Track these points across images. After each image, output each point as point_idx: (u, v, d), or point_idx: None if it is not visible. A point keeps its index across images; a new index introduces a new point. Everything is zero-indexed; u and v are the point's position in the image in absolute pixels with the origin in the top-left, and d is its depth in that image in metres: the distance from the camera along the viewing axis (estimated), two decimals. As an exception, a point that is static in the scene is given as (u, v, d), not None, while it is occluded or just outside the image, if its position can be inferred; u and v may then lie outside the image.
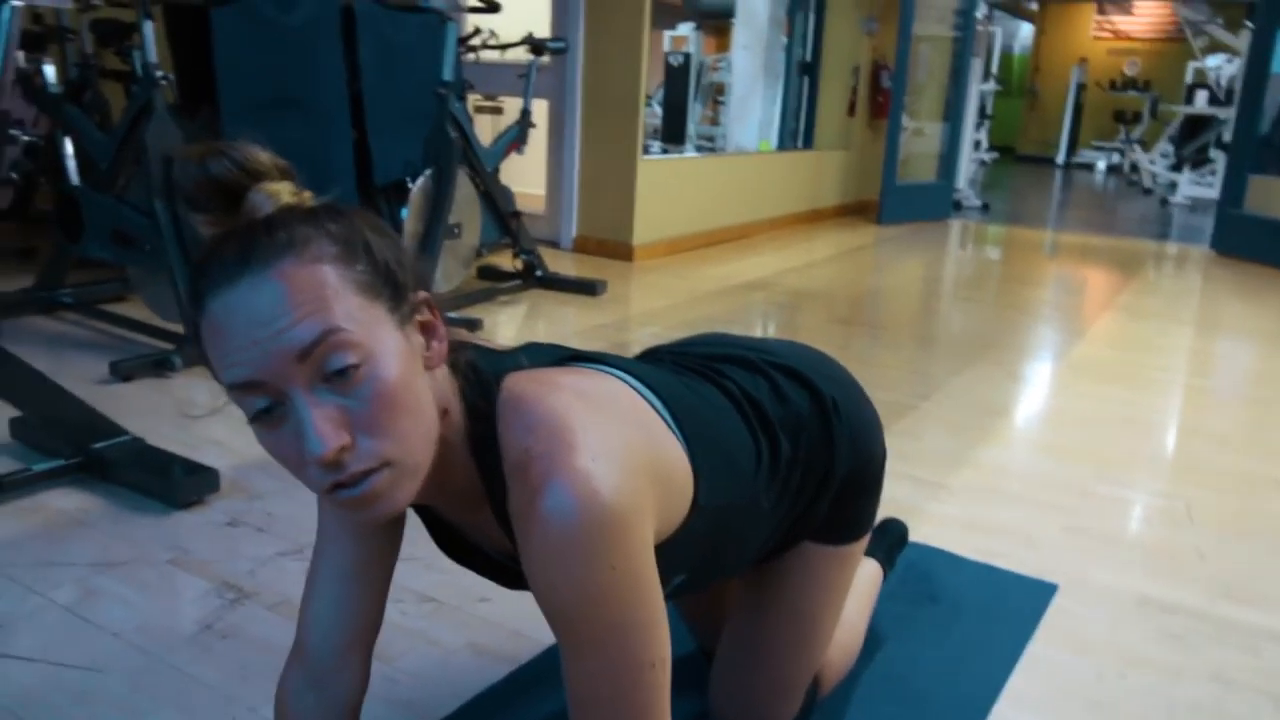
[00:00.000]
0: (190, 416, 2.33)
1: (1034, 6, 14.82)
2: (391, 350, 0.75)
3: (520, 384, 0.86)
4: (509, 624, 1.56)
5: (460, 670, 1.44)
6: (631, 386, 0.95)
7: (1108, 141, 13.41)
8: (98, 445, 1.99)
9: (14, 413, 2.07)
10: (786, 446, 1.10)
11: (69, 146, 3.20)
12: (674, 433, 0.94)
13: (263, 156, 0.78)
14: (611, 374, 0.96)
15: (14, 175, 4.24)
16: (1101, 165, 13.41)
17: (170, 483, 1.91)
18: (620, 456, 0.81)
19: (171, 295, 2.85)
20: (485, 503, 0.89)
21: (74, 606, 1.54)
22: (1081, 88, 13.24)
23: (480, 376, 0.87)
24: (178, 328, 2.90)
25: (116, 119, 3.79)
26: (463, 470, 0.87)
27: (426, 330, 0.81)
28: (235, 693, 1.36)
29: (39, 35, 4.13)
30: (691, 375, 1.10)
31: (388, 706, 1.34)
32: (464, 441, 0.86)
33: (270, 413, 0.73)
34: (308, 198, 0.80)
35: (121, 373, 2.62)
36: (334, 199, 0.82)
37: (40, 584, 1.60)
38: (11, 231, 4.42)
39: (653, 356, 1.20)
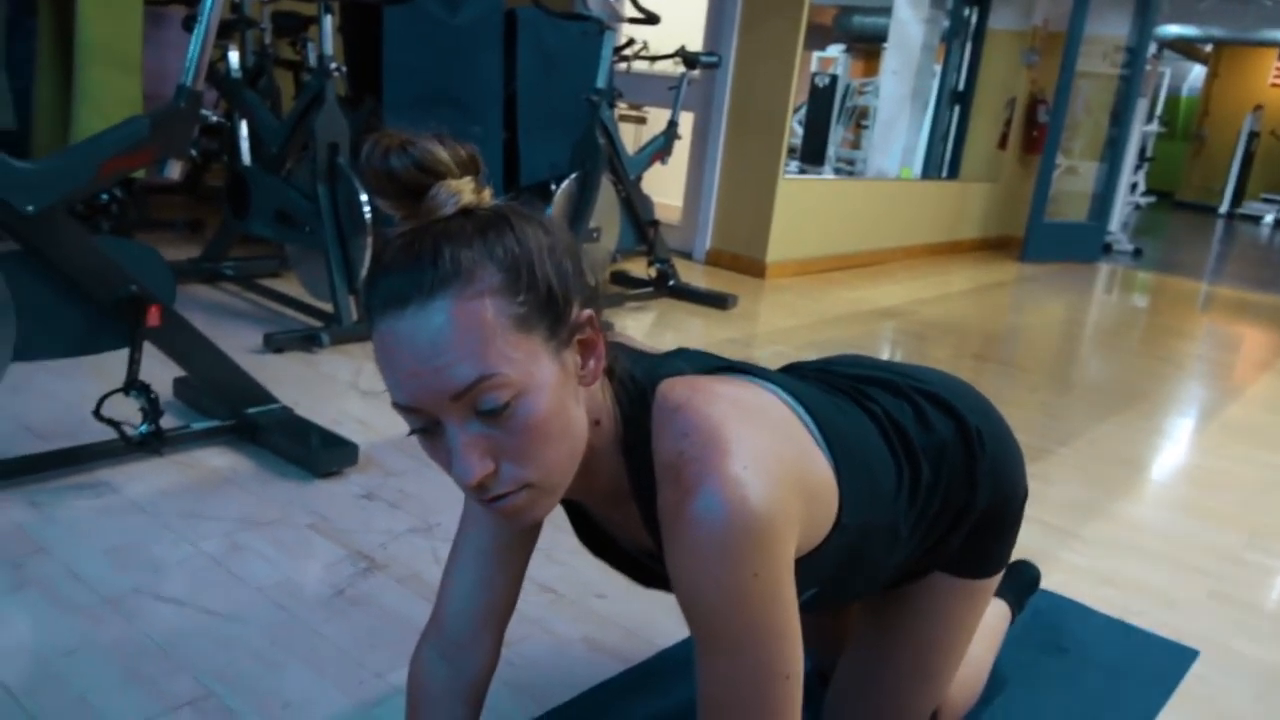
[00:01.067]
0: (359, 390, 2.44)
1: (1208, 49, 14.11)
2: (544, 383, 0.77)
3: (676, 390, 0.88)
4: (624, 622, 1.58)
5: (575, 661, 1.46)
6: (783, 400, 0.96)
7: (1278, 194, 12.64)
8: (251, 410, 2.11)
9: (178, 372, 2.21)
10: (928, 472, 1.08)
11: (244, 129, 3.40)
12: (822, 449, 0.94)
13: (443, 154, 0.78)
14: (763, 386, 0.96)
15: (193, 153, 4.53)
16: (1269, 218, 12.65)
17: (312, 452, 2.00)
18: (771, 467, 0.83)
19: (325, 276, 2.99)
20: (631, 502, 0.91)
21: (220, 558, 1.64)
22: (1254, 135, 12.53)
23: (636, 383, 0.89)
24: (328, 306, 3.04)
25: (285, 106, 4.01)
26: (613, 471, 0.90)
27: (586, 348, 0.82)
28: (363, 657, 1.41)
29: (225, 24, 4.40)
30: (837, 394, 1.10)
31: (504, 688, 1.37)
32: (616, 444, 0.89)
33: (427, 432, 0.79)
34: (487, 196, 0.81)
35: (274, 345, 2.76)
36: (511, 200, 0.83)
37: (191, 534, 1.70)
38: (183, 205, 4.72)
39: (797, 372, 1.20)
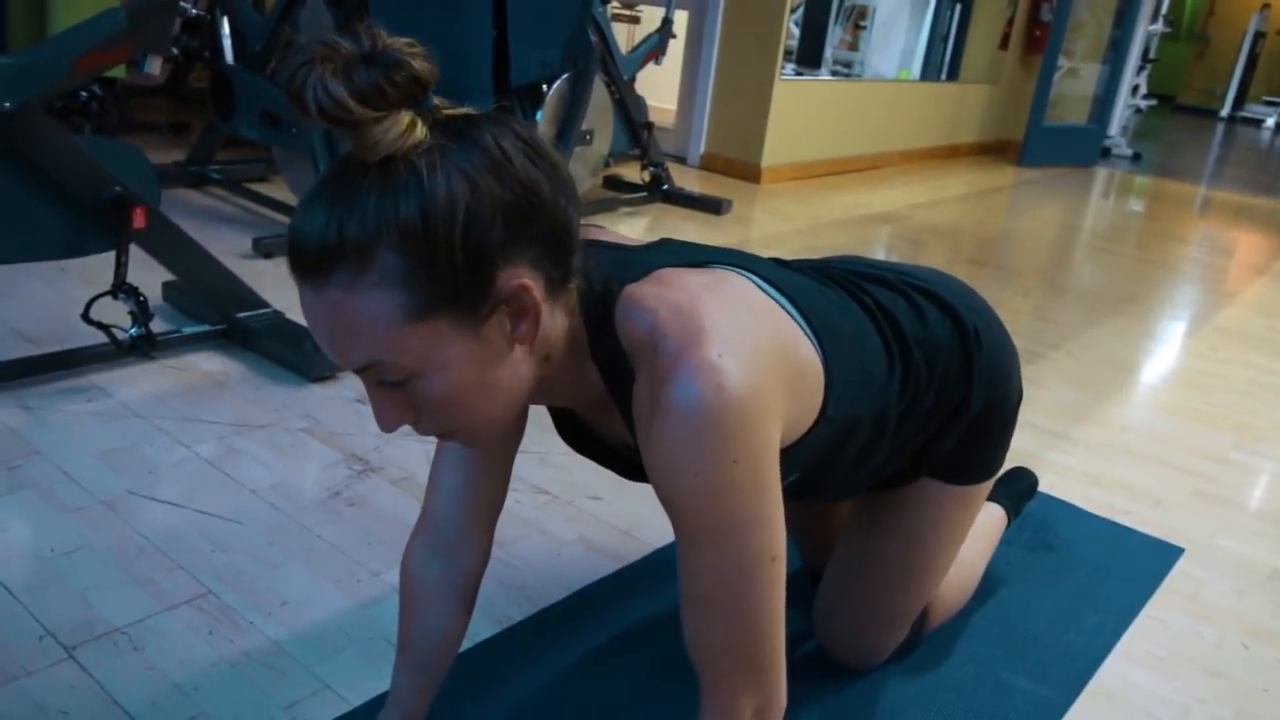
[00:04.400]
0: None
1: (1216, -57, 13.69)
2: (448, 363, 0.74)
3: (643, 288, 0.85)
4: (618, 523, 1.60)
5: (570, 561, 1.48)
6: (765, 291, 0.93)
7: (1280, 97, 12.45)
8: (242, 315, 2.09)
9: (166, 276, 2.19)
10: (922, 365, 1.08)
11: (226, 26, 3.29)
12: (808, 337, 0.93)
13: (385, 85, 0.68)
14: (744, 275, 0.93)
15: (175, 52, 4.40)
16: (1271, 121, 12.47)
17: (305, 357, 1.99)
18: (747, 351, 0.81)
19: (312, 179, 2.93)
20: (614, 407, 0.90)
21: (216, 461, 1.64)
22: (1259, 36, 12.26)
23: (600, 290, 0.85)
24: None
25: (268, 0, 3.87)
26: (590, 382, 0.88)
27: (517, 314, 0.77)
28: (360, 556, 1.43)
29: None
30: (830, 285, 1.08)
31: (501, 588, 1.39)
32: (586, 358, 0.87)
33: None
34: (421, 133, 0.70)
35: (263, 249, 2.72)
36: (465, 116, 0.75)
37: (186, 437, 1.70)
38: (166, 107, 4.61)
39: (790, 266, 1.17)
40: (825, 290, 1.05)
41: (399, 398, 0.77)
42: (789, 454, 0.90)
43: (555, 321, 0.81)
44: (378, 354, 0.73)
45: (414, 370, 0.74)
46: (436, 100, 0.73)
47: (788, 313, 0.92)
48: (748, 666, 0.84)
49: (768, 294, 0.93)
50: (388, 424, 0.78)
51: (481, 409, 0.79)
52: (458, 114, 0.75)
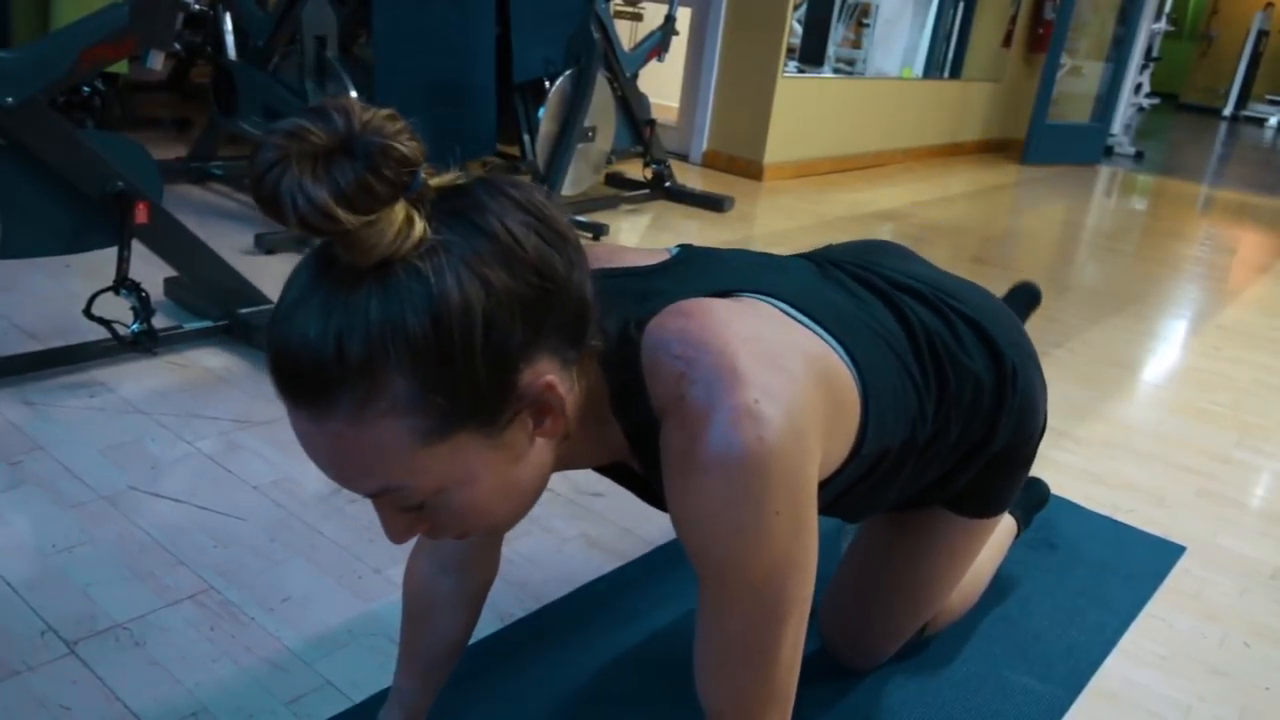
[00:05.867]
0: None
1: (1220, -58, 13.67)
2: (470, 477, 0.68)
3: (664, 324, 0.76)
4: (620, 520, 1.59)
5: (572, 558, 1.48)
6: (796, 319, 0.85)
7: (1284, 96, 12.43)
8: (244, 310, 2.09)
9: (168, 272, 2.18)
10: (956, 394, 1.01)
11: (228, 21, 3.29)
12: (845, 363, 0.85)
13: (376, 185, 0.58)
14: (772, 304, 0.85)
15: (177, 47, 4.39)
16: (1274, 120, 12.45)
17: (307, 352, 1.99)
18: (786, 392, 0.74)
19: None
20: (635, 459, 0.84)
21: (217, 457, 1.64)
22: (1263, 35, 12.23)
23: (620, 334, 0.77)
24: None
25: (272, -2, 3.87)
26: (611, 439, 0.81)
27: (542, 413, 0.70)
28: (361, 553, 1.43)
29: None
30: (872, 298, 1.00)
31: (503, 584, 1.39)
32: (605, 415, 0.80)
33: None
34: (419, 230, 0.61)
35: (265, 245, 2.72)
36: (458, 190, 0.65)
37: (188, 433, 1.70)
38: (169, 103, 4.61)
39: (827, 259, 1.08)
40: (862, 305, 0.97)
41: (421, 513, 0.72)
42: (820, 491, 0.83)
43: (574, 393, 0.74)
44: (392, 482, 0.66)
45: (435, 490, 0.68)
46: (423, 170, 0.62)
47: (823, 339, 0.85)
48: (767, 705, 0.81)
49: (800, 322, 0.84)
50: (399, 539, 0.72)
51: (502, 511, 0.73)
52: (449, 186, 0.66)
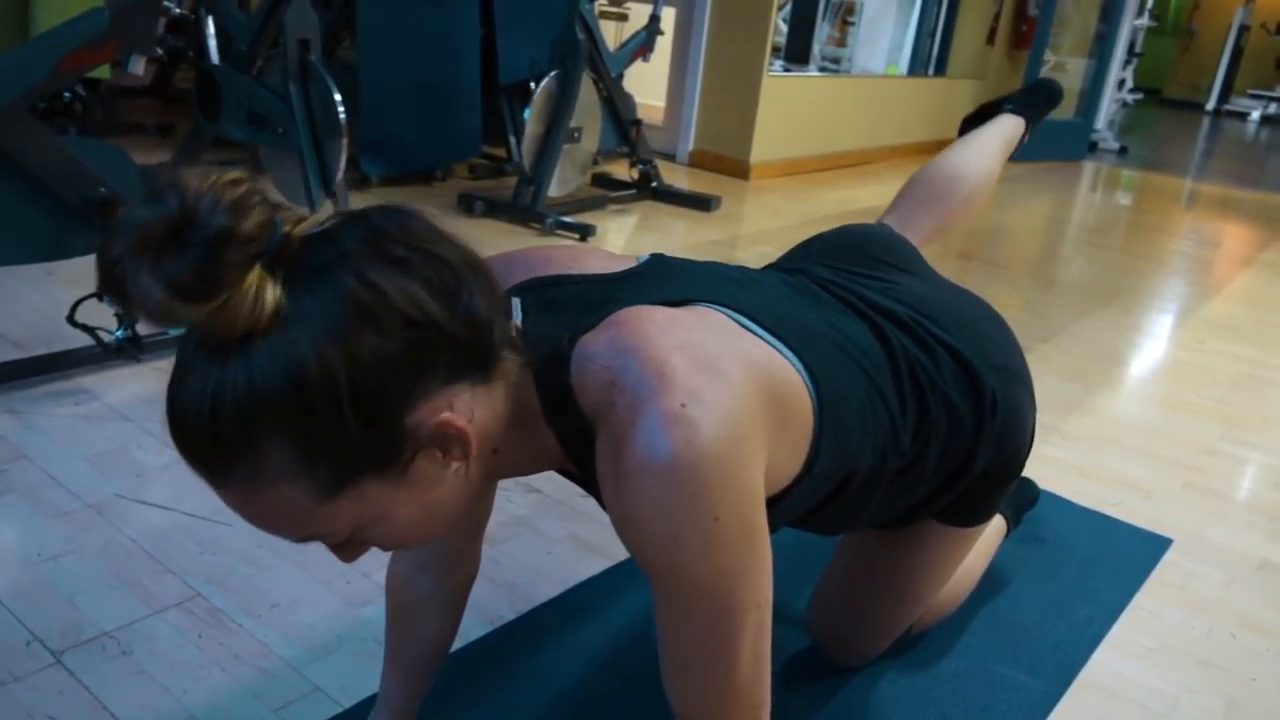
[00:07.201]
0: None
1: (1201, -63, 13.73)
2: (384, 514, 0.70)
3: (596, 336, 0.75)
4: (608, 520, 1.59)
5: (561, 559, 1.48)
6: (745, 326, 0.82)
7: (1267, 90, 12.49)
8: (229, 315, 2.08)
9: (153, 278, 2.18)
10: (937, 419, 0.99)
11: (211, 25, 3.28)
12: (796, 369, 0.82)
13: (231, 253, 0.58)
14: (724, 313, 0.82)
15: (160, 52, 4.37)
16: (1256, 115, 12.52)
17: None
18: (718, 393, 0.71)
19: (299, 178, 2.92)
20: (573, 463, 0.83)
21: (204, 463, 1.63)
22: (1244, 29, 12.31)
23: (551, 348, 0.76)
24: (303, 210, 2.98)
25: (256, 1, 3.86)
26: (549, 449, 0.80)
27: (444, 445, 0.69)
28: (350, 557, 1.42)
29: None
30: (850, 316, 0.98)
31: (493, 587, 1.39)
32: (539, 427, 0.78)
33: None
34: (272, 296, 0.61)
35: (250, 250, 2.71)
36: (322, 237, 0.65)
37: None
38: (152, 108, 4.58)
39: (818, 278, 1.06)
40: (836, 325, 0.94)
41: (350, 545, 0.74)
42: (773, 510, 0.80)
43: (492, 411, 0.73)
44: (307, 531, 0.69)
45: (348, 532, 0.71)
46: (282, 214, 0.62)
47: (775, 349, 0.82)
48: (734, 709, 0.79)
49: (752, 331, 0.82)
50: (348, 561, 0.76)
51: (434, 530, 0.75)
52: (315, 234, 0.65)
